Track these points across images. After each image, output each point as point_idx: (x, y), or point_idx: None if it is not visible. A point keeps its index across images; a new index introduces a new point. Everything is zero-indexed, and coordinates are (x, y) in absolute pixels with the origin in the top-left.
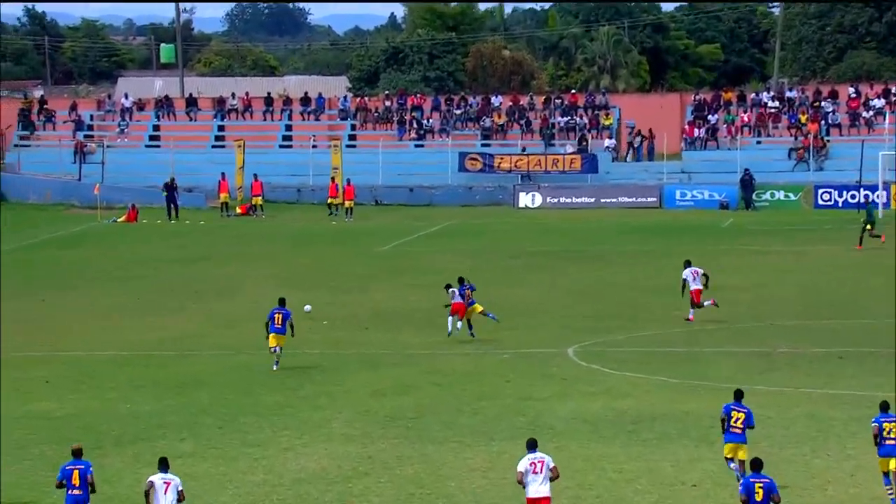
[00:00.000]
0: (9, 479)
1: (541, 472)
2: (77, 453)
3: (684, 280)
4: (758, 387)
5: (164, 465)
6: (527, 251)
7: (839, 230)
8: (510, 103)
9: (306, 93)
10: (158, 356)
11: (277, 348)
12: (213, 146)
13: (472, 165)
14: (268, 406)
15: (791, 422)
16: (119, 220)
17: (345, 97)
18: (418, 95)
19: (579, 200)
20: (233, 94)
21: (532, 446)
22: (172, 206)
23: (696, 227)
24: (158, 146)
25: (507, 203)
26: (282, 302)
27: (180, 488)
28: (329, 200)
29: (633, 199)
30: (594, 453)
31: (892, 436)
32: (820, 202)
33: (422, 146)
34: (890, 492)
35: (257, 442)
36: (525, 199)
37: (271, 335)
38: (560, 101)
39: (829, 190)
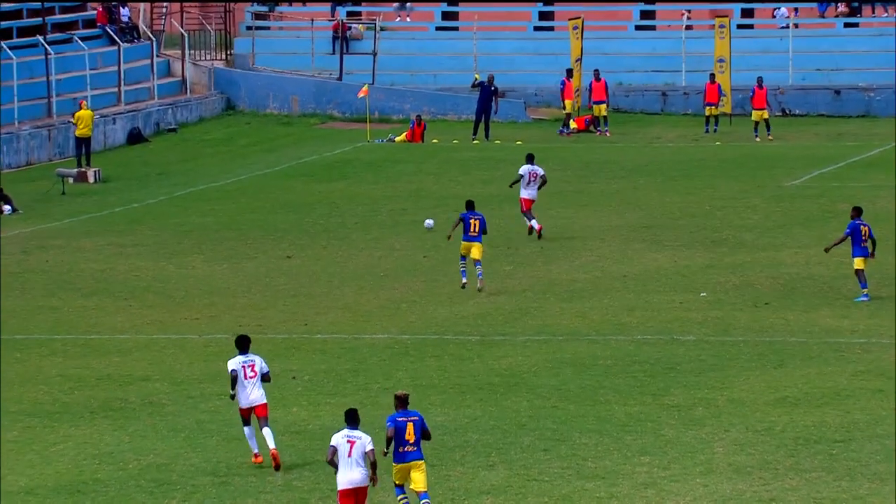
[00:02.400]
0: None
1: None
2: (405, 401)
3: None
4: None
5: (352, 420)
6: None
7: None
8: None
9: None
10: (454, 342)
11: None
12: (536, 27)
13: None
14: (618, 419)
15: None
16: (397, 138)
17: None
18: None
19: None
20: None
21: None
22: (484, 117)
23: None
24: (456, 28)
25: None
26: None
27: (369, 448)
28: (707, 111)
29: None
30: None
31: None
32: None
33: (855, 25)
34: None
35: (600, 472)
36: None
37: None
38: None
39: None
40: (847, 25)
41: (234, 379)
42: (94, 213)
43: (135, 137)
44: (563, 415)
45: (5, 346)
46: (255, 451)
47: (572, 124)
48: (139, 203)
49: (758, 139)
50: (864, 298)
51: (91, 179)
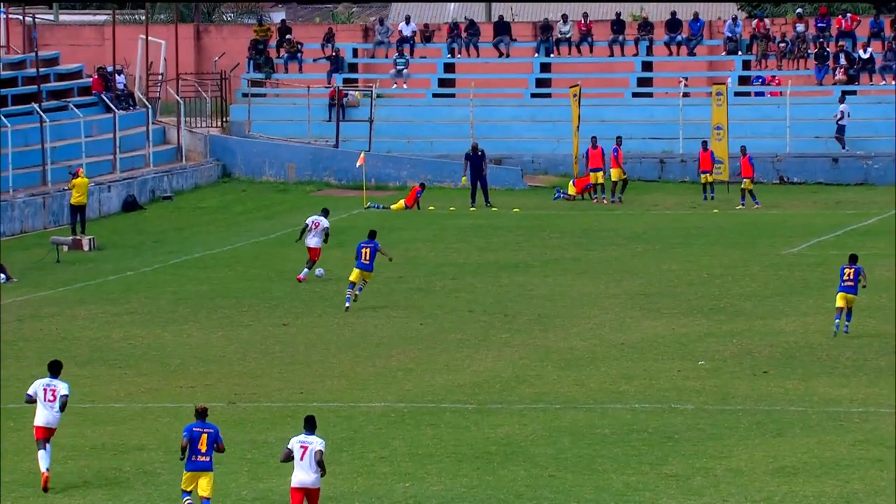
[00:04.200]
0: None
1: None
2: (203, 414)
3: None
4: None
5: (309, 426)
6: None
7: None
8: None
9: (674, 13)
10: (451, 410)
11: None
12: (534, 94)
13: None
14: (616, 489)
15: None
16: (392, 206)
17: (734, 19)
18: (849, 16)
19: None
20: (564, 18)
21: None
22: (480, 184)
23: None
24: (453, 95)
25: None
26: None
27: (317, 449)
28: (703, 178)
29: None
30: None
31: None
32: None
33: (853, 93)
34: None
35: None
36: None
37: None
38: None
39: None
40: (845, 93)
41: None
42: (88, 280)
43: (130, 205)
44: (561, 484)
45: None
46: None
47: (571, 189)
48: (134, 271)
49: (741, 207)
50: (835, 329)
51: (86, 247)
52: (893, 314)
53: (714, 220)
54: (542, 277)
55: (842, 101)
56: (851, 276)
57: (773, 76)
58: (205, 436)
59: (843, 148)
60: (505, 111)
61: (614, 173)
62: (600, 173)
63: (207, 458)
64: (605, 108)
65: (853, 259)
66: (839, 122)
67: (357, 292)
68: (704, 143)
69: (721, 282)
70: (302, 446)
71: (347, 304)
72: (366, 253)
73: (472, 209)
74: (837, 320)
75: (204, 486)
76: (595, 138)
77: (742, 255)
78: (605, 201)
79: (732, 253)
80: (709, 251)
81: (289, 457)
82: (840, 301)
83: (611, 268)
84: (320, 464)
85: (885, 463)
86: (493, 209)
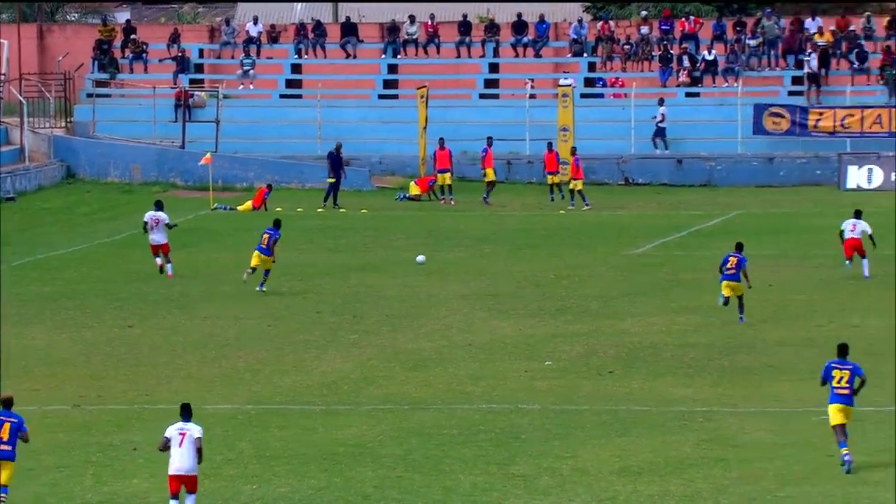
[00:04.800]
0: None
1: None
2: (8, 403)
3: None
4: None
5: (186, 413)
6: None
7: None
8: (834, 28)
9: (520, 15)
10: (299, 412)
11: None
12: (381, 96)
13: (773, 125)
14: (463, 489)
15: None
16: (239, 207)
17: (579, 21)
18: (692, 18)
19: None
20: (411, 19)
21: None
22: (337, 185)
23: None
24: (300, 96)
25: (829, 182)
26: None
27: (197, 436)
28: (550, 179)
29: None
30: None
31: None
32: None
33: (696, 95)
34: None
35: None
36: (857, 177)
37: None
38: None
39: None
40: (688, 95)
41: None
42: None
43: None
44: (409, 485)
45: None
46: None
47: (414, 189)
48: None
49: (571, 208)
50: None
51: None
52: (737, 314)
53: (560, 221)
54: (390, 278)
55: (661, 103)
56: (734, 265)
57: (617, 78)
58: (7, 424)
59: (666, 149)
60: (352, 112)
61: (489, 173)
62: (448, 174)
63: (10, 448)
64: (452, 109)
65: (739, 247)
66: (658, 125)
67: (260, 281)
68: (550, 145)
69: (567, 282)
70: (181, 433)
71: (259, 288)
72: (266, 238)
73: (319, 210)
74: (720, 300)
75: (4, 475)
76: (442, 139)
77: (588, 256)
78: (452, 202)
79: (578, 254)
80: (555, 252)
81: (166, 445)
82: (726, 290)
83: (459, 269)
84: (199, 451)
85: (729, 462)
86: (342, 210)
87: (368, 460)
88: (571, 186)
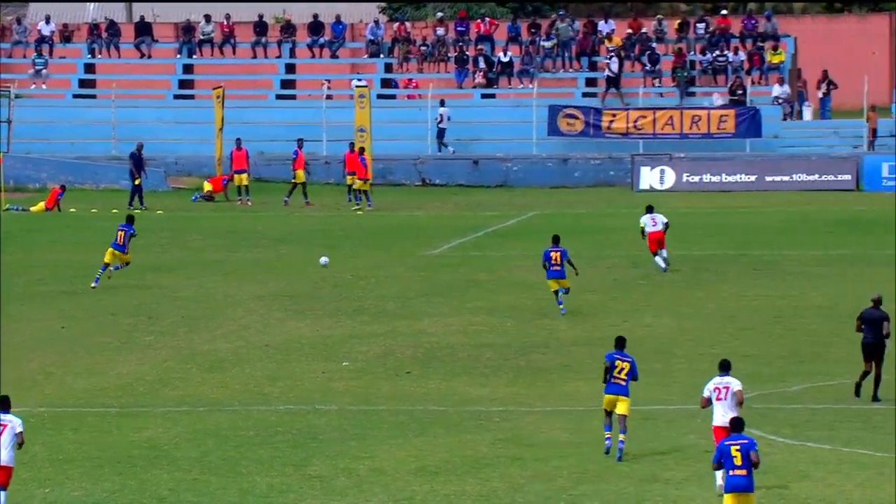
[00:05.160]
0: None
1: (725, 398)
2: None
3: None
4: None
5: (4, 405)
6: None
7: None
8: (628, 31)
9: (316, 16)
10: (93, 414)
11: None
12: (177, 96)
13: (568, 126)
14: (260, 491)
15: None
16: (32, 208)
17: (375, 22)
18: (487, 20)
19: (732, 179)
20: (206, 18)
21: (724, 368)
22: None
23: None
24: (94, 96)
25: (623, 183)
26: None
27: (19, 430)
28: (349, 180)
29: (817, 176)
30: None
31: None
32: None
33: (492, 96)
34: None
35: None
36: (649, 178)
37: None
38: (704, 27)
39: None
40: (484, 96)
41: None
42: None
43: None
44: (205, 487)
45: None
46: None
47: (207, 186)
48: None
49: (356, 207)
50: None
51: None
52: (532, 314)
53: (358, 221)
54: (185, 279)
55: (442, 104)
56: (558, 260)
57: (410, 79)
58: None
59: (448, 149)
60: (147, 112)
61: (299, 175)
62: (245, 175)
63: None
64: (248, 109)
65: (556, 240)
66: (439, 126)
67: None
68: (351, 145)
69: (365, 283)
70: (2, 424)
71: (94, 285)
72: (120, 235)
73: (137, 211)
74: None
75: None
76: (239, 140)
77: (385, 257)
78: (248, 203)
79: (376, 254)
80: (353, 252)
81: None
82: (554, 285)
83: (255, 269)
84: (21, 444)
85: (524, 461)
86: (137, 210)
87: (164, 462)
88: (356, 186)
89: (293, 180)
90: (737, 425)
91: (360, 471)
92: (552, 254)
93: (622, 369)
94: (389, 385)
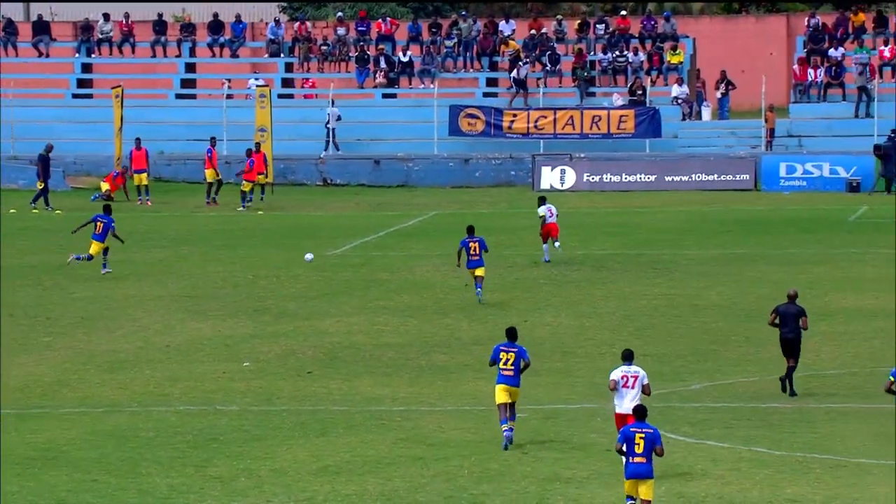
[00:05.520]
0: None
1: (632, 386)
2: None
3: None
4: None
5: None
6: (555, 258)
7: None
8: (528, 31)
9: (216, 15)
10: None
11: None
12: (76, 95)
13: (469, 126)
14: (160, 492)
15: None
16: None
17: (276, 22)
18: (388, 20)
19: (632, 179)
20: (105, 17)
21: (627, 358)
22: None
23: (811, 219)
24: None
25: (523, 182)
26: None
27: None
28: (245, 180)
29: (715, 176)
30: None
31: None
32: None
33: (393, 96)
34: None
35: None
36: (550, 178)
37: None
38: (604, 27)
39: None
40: (385, 96)
41: None
42: None
43: None
44: (104, 488)
45: None
46: None
47: (104, 186)
48: None
49: (249, 204)
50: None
51: None
52: (433, 313)
53: (259, 221)
54: (84, 280)
55: (332, 104)
56: (477, 250)
57: (307, 79)
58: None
59: (337, 150)
60: (46, 111)
61: (209, 174)
62: (144, 175)
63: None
64: (148, 109)
65: (471, 231)
66: (327, 126)
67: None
68: (258, 146)
69: (266, 283)
70: (633, 376)
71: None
72: (99, 226)
73: (34, 211)
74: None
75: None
76: (139, 139)
77: (287, 257)
78: (148, 203)
79: (277, 254)
80: (254, 253)
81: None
82: (473, 274)
83: (156, 270)
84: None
85: (426, 460)
86: (34, 211)
87: (63, 464)
88: (260, 180)
89: (206, 180)
90: (640, 413)
91: (261, 471)
92: (471, 244)
93: (507, 360)
94: (291, 385)
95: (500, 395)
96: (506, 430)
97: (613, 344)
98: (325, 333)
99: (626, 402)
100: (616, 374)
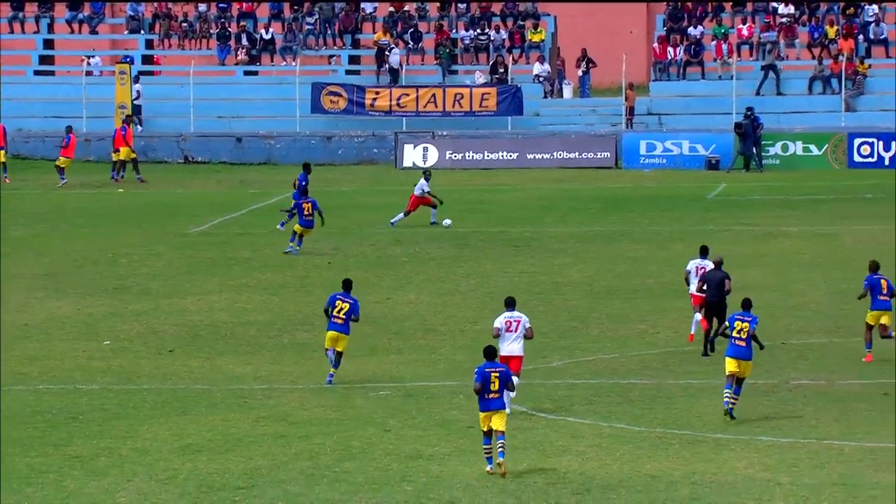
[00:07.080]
0: None
1: (515, 330)
2: None
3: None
4: (762, 438)
5: None
6: (417, 235)
7: (886, 200)
8: (390, 9)
9: None
10: None
11: None
12: None
13: (331, 104)
14: (19, 472)
15: (813, 491)
16: None
17: None
18: None
19: (494, 157)
20: None
21: (510, 304)
22: None
23: (670, 197)
24: None
25: (386, 160)
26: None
27: None
28: (114, 156)
29: (577, 154)
30: None
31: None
32: (857, 158)
33: (255, 73)
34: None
35: None
36: (413, 155)
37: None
38: (465, 6)
39: (869, 140)
40: (247, 73)
41: None
42: None
43: None
44: None
45: None
46: None
47: None
48: None
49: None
50: None
51: None
52: (296, 291)
53: (120, 199)
54: None
55: (136, 81)
56: (310, 210)
57: (153, 56)
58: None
59: (140, 127)
60: None
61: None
62: (2, 152)
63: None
64: (6, 86)
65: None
66: (134, 102)
67: None
68: (128, 118)
69: (127, 261)
70: (516, 321)
71: None
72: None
73: None
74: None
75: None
76: None
77: (148, 235)
78: (7, 181)
79: (138, 232)
80: (115, 230)
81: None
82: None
83: (14, 248)
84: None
85: (287, 438)
86: None
87: None
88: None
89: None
90: (491, 353)
91: (122, 450)
92: (304, 204)
93: (341, 309)
94: (152, 364)
95: (332, 340)
96: (330, 375)
97: (476, 322)
98: (186, 311)
99: (507, 345)
100: (499, 321)
